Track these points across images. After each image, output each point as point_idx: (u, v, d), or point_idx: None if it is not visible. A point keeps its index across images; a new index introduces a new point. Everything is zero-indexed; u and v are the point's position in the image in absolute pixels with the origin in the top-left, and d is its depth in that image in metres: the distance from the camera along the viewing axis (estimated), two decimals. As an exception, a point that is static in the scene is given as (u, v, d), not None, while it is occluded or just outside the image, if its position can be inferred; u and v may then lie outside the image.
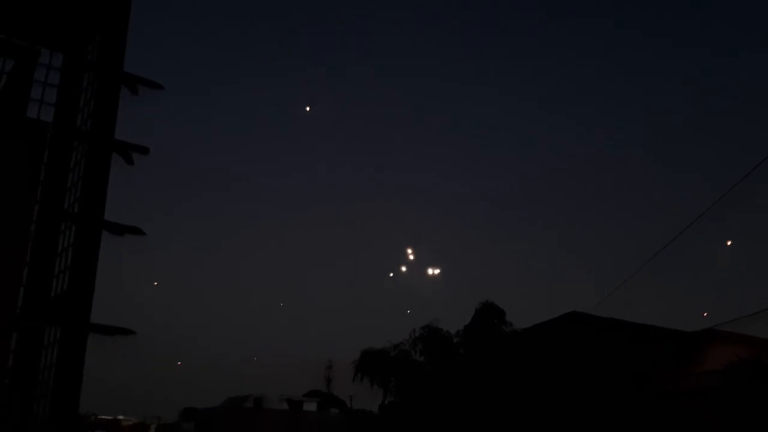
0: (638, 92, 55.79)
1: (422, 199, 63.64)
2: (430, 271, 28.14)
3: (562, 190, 60.35)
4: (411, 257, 29.79)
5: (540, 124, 60.41)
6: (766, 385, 14.42)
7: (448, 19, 57.05)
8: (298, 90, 60.04)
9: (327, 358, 33.48)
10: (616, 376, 17.36)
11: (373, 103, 62.78)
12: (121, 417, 33.90)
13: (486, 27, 56.73)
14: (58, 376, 4.34)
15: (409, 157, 66.32)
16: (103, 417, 32.85)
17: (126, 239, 5.46)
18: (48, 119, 5.48)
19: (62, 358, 4.06)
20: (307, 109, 43.25)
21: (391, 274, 39.53)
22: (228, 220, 65.10)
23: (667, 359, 17.55)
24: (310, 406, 28.29)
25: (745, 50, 49.46)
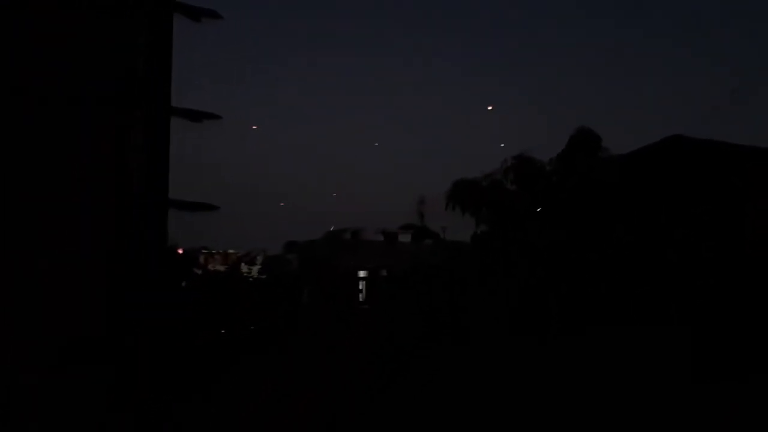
0: None
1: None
2: (521, 102, 27.16)
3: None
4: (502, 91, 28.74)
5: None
6: None
7: None
8: None
9: (420, 194, 33.90)
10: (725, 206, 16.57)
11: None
12: (230, 251, 36.46)
13: None
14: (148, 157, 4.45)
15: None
16: (213, 251, 35.43)
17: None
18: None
19: (147, 138, 4.14)
20: None
21: (490, 107, 38.58)
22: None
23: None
24: (405, 238, 29.23)
25: None
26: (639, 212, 16.48)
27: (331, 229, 29.67)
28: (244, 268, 33.34)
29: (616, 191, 17.00)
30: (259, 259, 33.82)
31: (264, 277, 30.25)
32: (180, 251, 27.96)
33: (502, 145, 47.88)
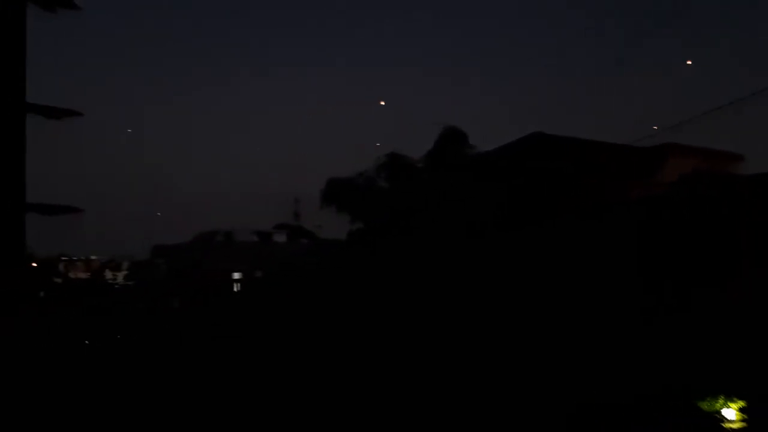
0: None
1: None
2: (394, 103, 27.59)
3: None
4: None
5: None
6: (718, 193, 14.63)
7: None
8: None
9: (296, 194, 33.67)
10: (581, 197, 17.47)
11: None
12: (93, 257, 34.39)
13: None
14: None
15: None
16: (75, 258, 33.28)
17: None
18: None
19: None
20: None
21: (382, 102, 38.97)
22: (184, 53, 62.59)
23: (627, 174, 17.71)
24: (280, 238, 28.78)
25: None
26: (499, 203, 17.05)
27: (202, 231, 28.61)
28: (109, 274, 31.65)
29: (479, 186, 17.53)
30: (125, 264, 32.14)
31: (131, 283, 28.80)
32: (34, 264, 26.05)
33: (378, 144, 48.56)
